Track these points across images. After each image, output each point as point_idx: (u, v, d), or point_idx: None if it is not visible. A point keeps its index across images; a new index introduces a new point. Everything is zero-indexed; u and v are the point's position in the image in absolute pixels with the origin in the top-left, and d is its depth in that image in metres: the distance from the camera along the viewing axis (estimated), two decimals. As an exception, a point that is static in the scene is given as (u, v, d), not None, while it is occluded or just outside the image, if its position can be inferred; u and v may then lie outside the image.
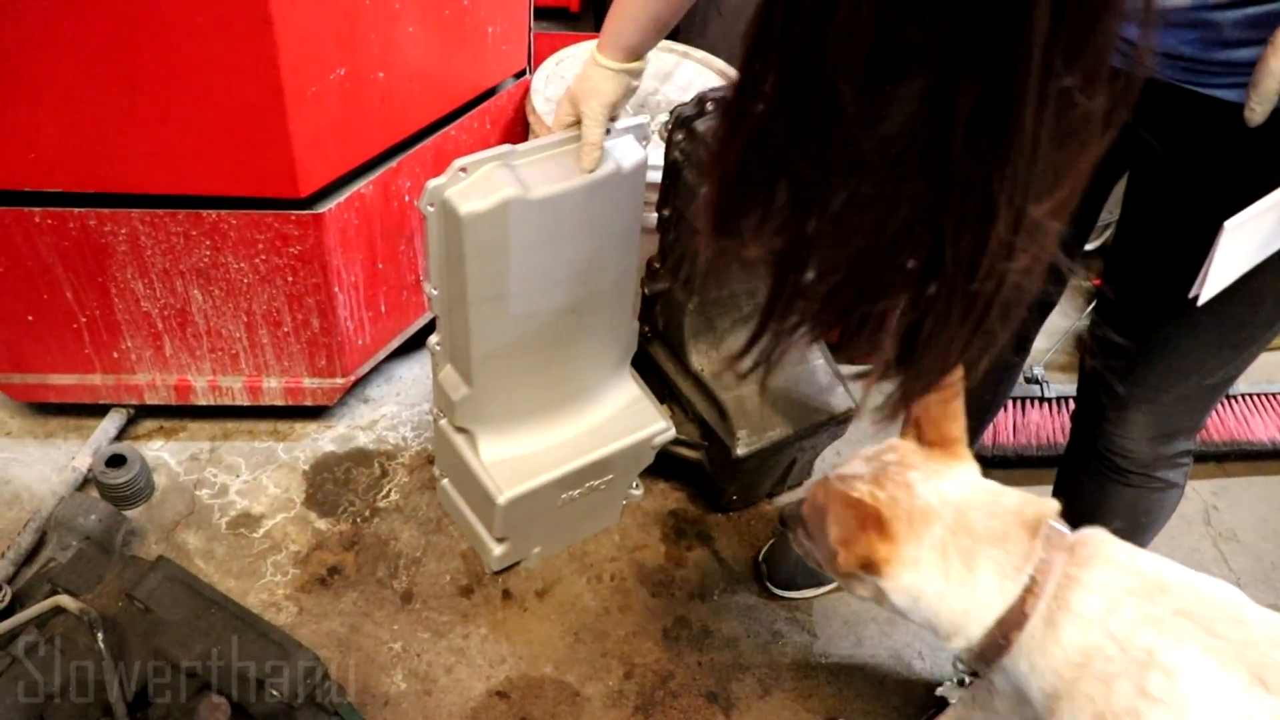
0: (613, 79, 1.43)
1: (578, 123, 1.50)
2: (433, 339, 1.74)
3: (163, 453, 2.10)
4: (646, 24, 1.38)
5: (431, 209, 1.51)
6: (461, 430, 1.80)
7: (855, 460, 1.34)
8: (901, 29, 0.61)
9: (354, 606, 1.90)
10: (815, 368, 1.96)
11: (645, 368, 1.97)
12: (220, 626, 1.36)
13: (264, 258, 1.81)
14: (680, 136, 1.70)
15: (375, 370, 2.18)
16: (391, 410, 2.23)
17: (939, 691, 1.85)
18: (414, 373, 2.31)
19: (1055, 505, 1.27)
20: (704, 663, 1.90)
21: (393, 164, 1.88)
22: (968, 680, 1.73)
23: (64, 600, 1.38)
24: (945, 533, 1.23)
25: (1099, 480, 1.60)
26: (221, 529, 1.99)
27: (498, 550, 1.89)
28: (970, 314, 0.72)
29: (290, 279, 1.85)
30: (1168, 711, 1.12)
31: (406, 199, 1.95)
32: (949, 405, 1.28)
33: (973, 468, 1.32)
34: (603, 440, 1.86)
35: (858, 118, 0.65)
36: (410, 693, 1.80)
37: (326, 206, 1.77)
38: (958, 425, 1.30)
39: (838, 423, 1.97)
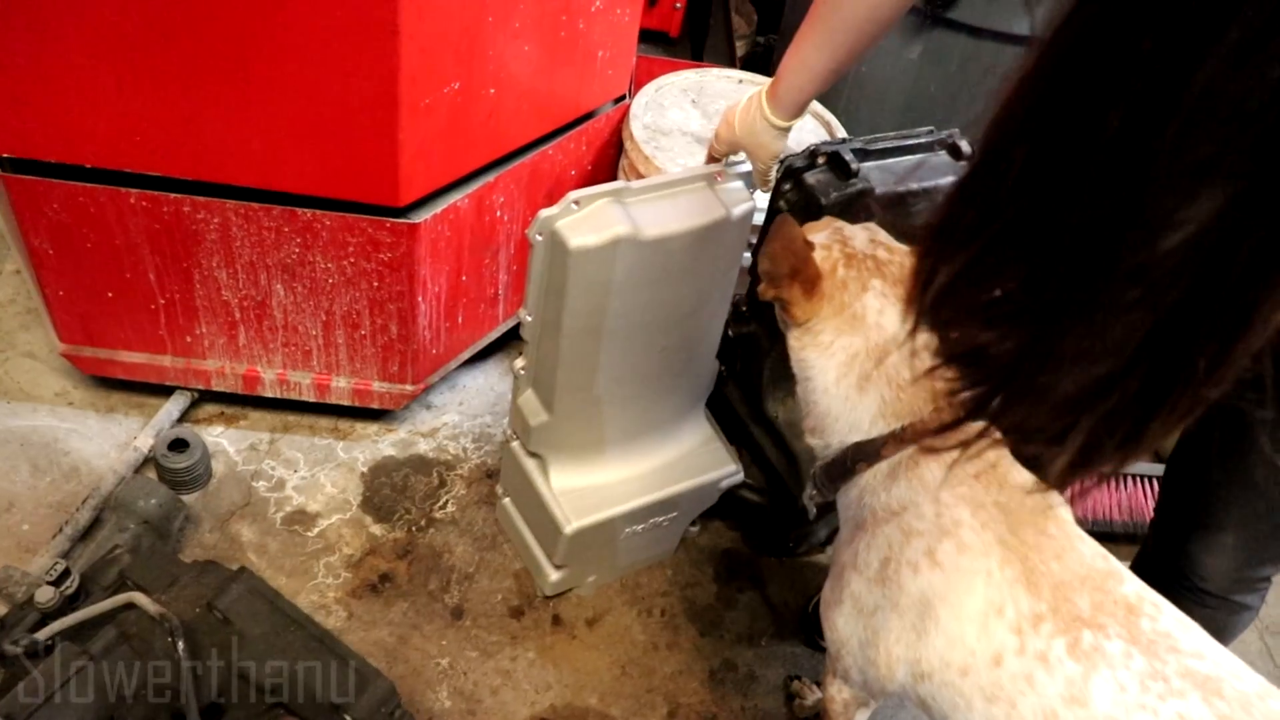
0: (783, 137, 1.48)
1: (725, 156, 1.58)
2: (518, 362, 1.72)
3: (222, 439, 2.08)
4: (826, 77, 1.35)
5: (540, 239, 1.49)
6: (534, 455, 1.79)
7: (861, 230, 1.31)
8: (1227, 134, 0.57)
9: (404, 617, 1.88)
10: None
11: (718, 407, 1.96)
12: (298, 646, 1.35)
13: (352, 260, 1.80)
14: (788, 187, 1.68)
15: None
16: (453, 419, 2.21)
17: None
18: (478, 383, 2.29)
19: None
20: (748, 709, 1.88)
21: (489, 179, 1.86)
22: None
23: (139, 599, 1.36)
24: (862, 349, 1.23)
25: (1170, 596, 1.56)
26: (276, 524, 1.97)
27: (554, 576, 1.88)
28: (1191, 410, 0.70)
29: (375, 284, 1.83)
30: (941, 577, 1.20)
31: (498, 214, 1.93)
32: None
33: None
34: (673, 478, 1.85)
35: (1157, 223, 0.61)
36: (455, 711, 1.78)
37: (422, 217, 1.76)
38: None
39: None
